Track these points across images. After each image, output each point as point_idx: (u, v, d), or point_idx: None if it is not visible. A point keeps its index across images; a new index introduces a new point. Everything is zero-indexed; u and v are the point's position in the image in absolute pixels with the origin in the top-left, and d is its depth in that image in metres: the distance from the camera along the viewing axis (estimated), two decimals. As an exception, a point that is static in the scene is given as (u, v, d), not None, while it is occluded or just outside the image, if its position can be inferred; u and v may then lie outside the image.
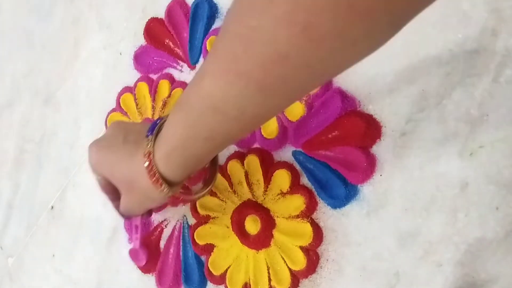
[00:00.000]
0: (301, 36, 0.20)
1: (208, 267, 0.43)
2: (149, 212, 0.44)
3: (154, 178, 0.32)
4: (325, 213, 0.38)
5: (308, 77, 0.23)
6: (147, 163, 0.31)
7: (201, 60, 0.48)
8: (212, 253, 0.43)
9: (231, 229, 0.42)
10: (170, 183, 0.33)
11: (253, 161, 0.42)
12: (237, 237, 0.42)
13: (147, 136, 0.32)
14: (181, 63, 0.50)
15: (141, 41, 0.53)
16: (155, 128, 0.32)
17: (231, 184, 0.43)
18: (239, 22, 0.22)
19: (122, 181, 0.35)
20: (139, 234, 0.44)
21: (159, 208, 0.47)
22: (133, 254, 0.48)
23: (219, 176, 0.44)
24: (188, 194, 0.38)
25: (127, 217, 0.42)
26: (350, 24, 0.20)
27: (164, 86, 0.49)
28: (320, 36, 0.20)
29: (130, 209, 0.38)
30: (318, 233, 0.38)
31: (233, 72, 0.24)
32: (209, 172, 0.39)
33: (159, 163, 0.31)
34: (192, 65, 0.49)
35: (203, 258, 0.45)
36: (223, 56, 0.24)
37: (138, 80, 0.52)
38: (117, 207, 0.40)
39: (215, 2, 0.48)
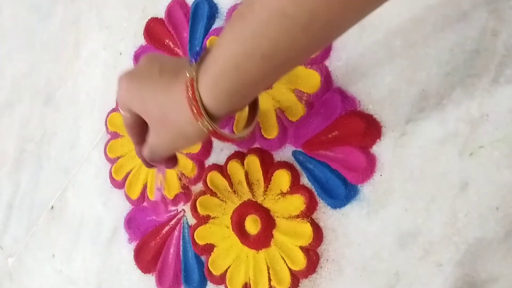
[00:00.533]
0: None
1: (208, 267, 0.43)
2: (174, 161, 0.40)
3: (196, 108, 0.28)
4: (325, 213, 0.38)
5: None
6: (188, 91, 0.28)
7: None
8: (212, 253, 0.43)
9: (231, 229, 0.42)
10: (211, 117, 0.29)
11: (253, 161, 0.42)
12: (237, 237, 0.42)
13: (190, 62, 0.29)
14: (181, 63, 0.50)
15: (141, 41, 0.53)
16: (200, 54, 0.29)
17: (231, 184, 0.43)
18: None
19: (155, 114, 0.31)
20: (162, 185, 0.42)
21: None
22: (152, 205, 0.45)
23: (219, 176, 0.44)
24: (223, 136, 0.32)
25: (150, 163, 0.38)
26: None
27: (164, 86, 0.49)
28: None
29: (158, 147, 0.34)
30: (318, 233, 0.38)
31: None
32: (250, 111, 0.35)
33: (203, 91, 0.28)
34: (192, 65, 0.49)
35: (203, 258, 0.45)
36: None
37: (138, 80, 0.52)
38: (139, 152, 0.37)
39: (215, 2, 0.48)
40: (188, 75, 0.29)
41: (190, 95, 0.28)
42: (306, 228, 0.38)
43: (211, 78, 0.28)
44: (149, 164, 0.39)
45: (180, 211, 0.47)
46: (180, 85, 0.29)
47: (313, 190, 0.39)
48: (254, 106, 0.35)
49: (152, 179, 0.49)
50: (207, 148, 0.46)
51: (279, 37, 0.25)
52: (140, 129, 0.34)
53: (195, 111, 0.29)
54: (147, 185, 0.49)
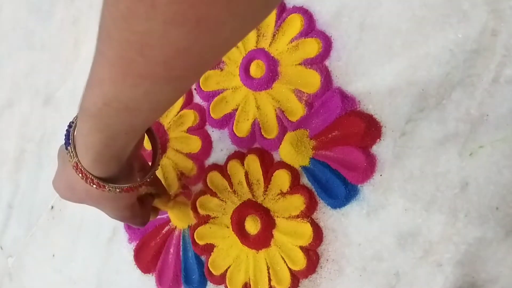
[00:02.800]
0: (196, 30, 0.20)
1: (208, 267, 0.43)
2: (142, 219, 0.43)
3: (94, 184, 0.31)
4: (325, 213, 0.38)
5: (215, 52, 0.23)
6: (80, 175, 0.31)
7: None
8: (212, 253, 0.43)
9: (231, 229, 0.42)
10: (114, 180, 0.32)
11: (253, 161, 0.42)
12: (237, 237, 0.42)
13: (67, 148, 0.32)
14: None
15: (141, 41, 0.53)
16: (69, 137, 0.32)
17: (231, 184, 0.43)
18: (124, 29, 0.20)
19: (83, 199, 0.35)
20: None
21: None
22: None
23: (219, 176, 0.44)
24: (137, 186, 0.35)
25: (135, 225, 0.41)
26: (241, 5, 0.20)
27: (164, 86, 0.49)
28: (216, 24, 0.20)
29: (116, 218, 0.38)
30: (318, 233, 0.38)
31: (135, 76, 0.22)
32: (152, 154, 0.38)
33: (90, 169, 0.31)
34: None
35: (203, 258, 0.45)
36: (118, 62, 0.22)
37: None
38: (135, 224, 0.40)
39: (215, 2, 0.48)
40: (70, 160, 0.31)
41: (83, 177, 0.31)
42: (306, 228, 0.38)
43: (90, 160, 0.30)
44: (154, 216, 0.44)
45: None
46: (72, 170, 0.32)
47: (313, 190, 0.39)
48: (154, 145, 0.37)
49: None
50: (207, 148, 0.46)
51: (132, 120, 0.27)
52: (135, 204, 0.38)
53: (97, 186, 0.32)
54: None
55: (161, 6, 0.19)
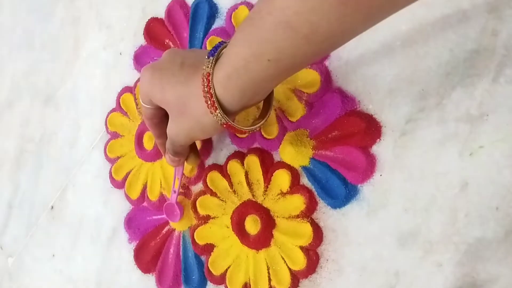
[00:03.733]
0: None
1: (208, 267, 0.43)
2: (195, 157, 0.43)
3: (210, 100, 0.31)
4: (325, 213, 0.38)
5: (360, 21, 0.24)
6: (204, 84, 0.30)
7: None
8: (212, 253, 0.43)
9: (231, 229, 0.42)
10: (225, 111, 0.32)
11: (253, 161, 0.42)
12: (237, 237, 0.42)
13: (208, 57, 0.31)
14: (181, 63, 0.50)
15: (141, 41, 0.53)
16: (217, 50, 0.31)
17: (231, 184, 0.43)
18: None
19: (174, 103, 0.34)
20: (178, 187, 0.44)
21: (206, 149, 0.45)
22: (168, 209, 0.46)
23: (219, 176, 0.44)
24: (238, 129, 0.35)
25: (172, 157, 0.40)
26: None
27: (164, 86, 0.49)
28: None
29: (177, 137, 0.36)
30: (318, 233, 0.38)
31: None
32: (264, 105, 0.38)
33: (217, 85, 0.30)
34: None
35: (203, 258, 0.45)
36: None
37: (138, 80, 0.52)
38: (160, 145, 0.39)
39: (215, 2, 0.48)
40: (205, 69, 0.31)
41: (206, 89, 0.31)
42: (306, 228, 0.38)
43: (224, 74, 0.30)
44: (171, 159, 0.41)
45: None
46: (198, 78, 0.31)
47: (313, 190, 0.39)
48: (268, 100, 0.37)
49: (152, 179, 0.49)
50: (207, 148, 0.46)
51: (284, 44, 0.26)
52: (159, 120, 0.37)
53: (210, 104, 0.31)
54: (147, 185, 0.49)
55: None
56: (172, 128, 0.36)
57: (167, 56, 0.35)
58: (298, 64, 0.29)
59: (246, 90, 0.31)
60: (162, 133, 0.38)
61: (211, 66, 0.31)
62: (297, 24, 0.25)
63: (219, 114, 0.31)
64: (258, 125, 0.36)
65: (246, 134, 0.41)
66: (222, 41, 0.33)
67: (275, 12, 0.25)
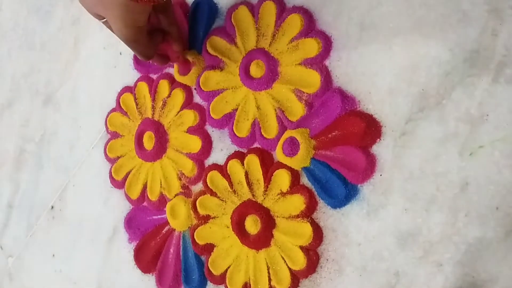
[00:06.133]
0: None
1: (208, 267, 0.43)
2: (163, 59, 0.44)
3: None
4: (325, 213, 0.38)
5: None
6: None
7: (201, 60, 0.48)
8: (212, 253, 0.43)
9: (231, 229, 0.42)
10: None
11: (253, 161, 0.42)
12: (237, 237, 0.42)
13: None
14: (181, 63, 0.50)
15: (141, 41, 0.53)
16: None
17: (231, 184, 0.43)
18: None
19: (95, 5, 0.35)
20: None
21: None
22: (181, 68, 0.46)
23: (219, 176, 0.44)
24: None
25: (145, 57, 0.41)
26: None
27: (164, 86, 0.49)
28: None
29: (121, 36, 0.37)
30: (318, 233, 0.38)
31: None
32: None
33: None
34: (192, 65, 0.48)
35: (203, 258, 0.45)
36: None
37: (138, 80, 0.52)
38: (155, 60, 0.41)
39: (215, 2, 0.48)
40: None
41: None
42: (306, 228, 0.38)
43: None
44: (153, 62, 0.43)
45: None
46: None
47: (313, 190, 0.39)
48: None
49: (152, 179, 0.49)
50: (207, 148, 0.46)
51: None
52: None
53: None
54: (147, 185, 0.49)
55: None
56: (114, 28, 0.37)
57: None
58: None
59: None
60: (142, 50, 0.40)
61: None
62: None
63: None
64: None
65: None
66: None
67: None
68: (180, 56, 0.46)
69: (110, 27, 0.39)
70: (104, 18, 0.38)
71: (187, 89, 0.48)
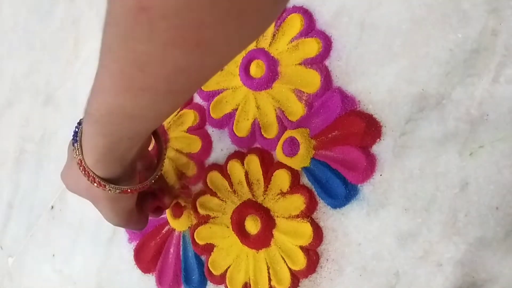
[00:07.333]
0: (197, 51, 0.20)
1: (208, 267, 0.43)
2: (157, 212, 0.44)
3: (95, 183, 0.32)
4: (325, 213, 0.38)
5: (215, 68, 0.24)
6: (83, 172, 0.31)
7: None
8: (212, 253, 0.43)
9: (231, 229, 0.42)
10: (115, 181, 0.32)
11: (253, 161, 0.42)
12: (237, 237, 0.42)
13: (73, 145, 0.32)
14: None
15: (141, 41, 0.53)
16: (77, 135, 0.32)
17: (231, 184, 0.43)
18: (124, 48, 0.21)
19: (84, 195, 0.35)
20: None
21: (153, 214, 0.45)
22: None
23: (219, 176, 0.44)
24: (144, 185, 0.36)
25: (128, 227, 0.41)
26: (239, 28, 0.20)
27: (164, 86, 0.49)
28: (214, 45, 0.20)
29: (112, 221, 0.37)
30: (318, 233, 0.38)
31: (136, 89, 0.23)
32: (157, 152, 0.38)
33: (93, 169, 0.31)
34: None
35: (203, 258, 0.45)
36: (119, 76, 0.23)
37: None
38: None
39: (215, 2, 0.48)
40: (75, 157, 0.31)
41: (86, 174, 0.31)
42: (306, 228, 0.38)
43: (94, 160, 0.30)
44: (154, 216, 0.44)
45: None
46: (77, 166, 0.32)
47: (313, 190, 0.39)
48: (159, 149, 0.38)
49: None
50: (207, 148, 0.46)
51: (136, 127, 0.28)
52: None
53: (97, 185, 0.32)
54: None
55: (159, 31, 0.19)
56: (103, 215, 0.37)
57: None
58: (159, 123, 0.30)
59: (122, 159, 0.31)
60: (134, 227, 0.40)
61: (79, 153, 0.31)
62: (140, 114, 0.26)
63: (111, 189, 0.32)
64: (151, 178, 0.37)
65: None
66: (79, 120, 0.33)
67: (115, 112, 0.26)
68: (172, 204, 0.45)
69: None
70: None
71: (187, 89, 0.48)
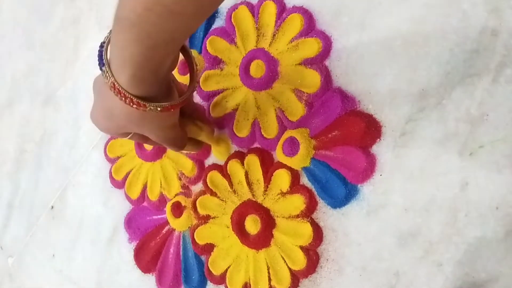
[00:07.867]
0: None
1: (208, 267, 0.43)
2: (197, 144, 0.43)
3: (134, 104, 0.30)
4: (325, 213, 0.38)
5: None
6: (118, 96, 0.29)
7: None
8: (212, 253, 0.43)
9: (231, 229, 0.42)
10: (153, 99, 0.31)
11: (253, 161, 0.42)
12: (237, 237, 0.42)
13: (101, 69, 0.30)
14: (181, 63, 0.50)
15: (141, 41, 0.53)
16: (102, 57, 0.30)
17: (231, 184, 0.43)
18: None
19: (124, 125, 0.33)
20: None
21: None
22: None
23: (219, 176, 0.44)
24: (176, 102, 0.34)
25: (179, 146, 0.39)
26: None
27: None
28: None
29: (159, 139, 0.36)
30: (318, 233, 0.38)
31: None
32: (189, 72, 0.36)
33: (128, 88, 0.29)
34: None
35: (203, 258, 0.45)
36: None
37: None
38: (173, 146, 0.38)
39: (215, 2, 0.48)
40: (107, 82, 0.30)
41: (121, 97, 0.30)
42: (306, 228, 0.38)
43: (129, 76, 0.29)
44: (193, 147, 0.42)
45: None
46: (109, 94, 0.30)
47: (313, 189, 0.39)
48: (190, 64, 0.36)
49: (152, 179, 0.49)
50: (207, 148, 0.46)
51: (175, 26, 0.26)
52: (145, 138, 0.36)
53: (136, 107, 0.30)
54: (147, 185, 0.49)
55: None
56: (153, 138, 0.36)
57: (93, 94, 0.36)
58: (196, 28, 0.29)
59: (158, 71, 0.29)
60: (178, 143, 0.38)
61: (109, 75, 0.29)
62: (181, 8, 0.25)
63: (151, 107, 0.30)
64: (188, 91, 0.35)
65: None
66: (101, 43, 0.31)
67: (154, 7, 0.25)
68: (213, 138, 0.44)
69: (137, 138, 0.37)
70: (131, 133, 0.36)
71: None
